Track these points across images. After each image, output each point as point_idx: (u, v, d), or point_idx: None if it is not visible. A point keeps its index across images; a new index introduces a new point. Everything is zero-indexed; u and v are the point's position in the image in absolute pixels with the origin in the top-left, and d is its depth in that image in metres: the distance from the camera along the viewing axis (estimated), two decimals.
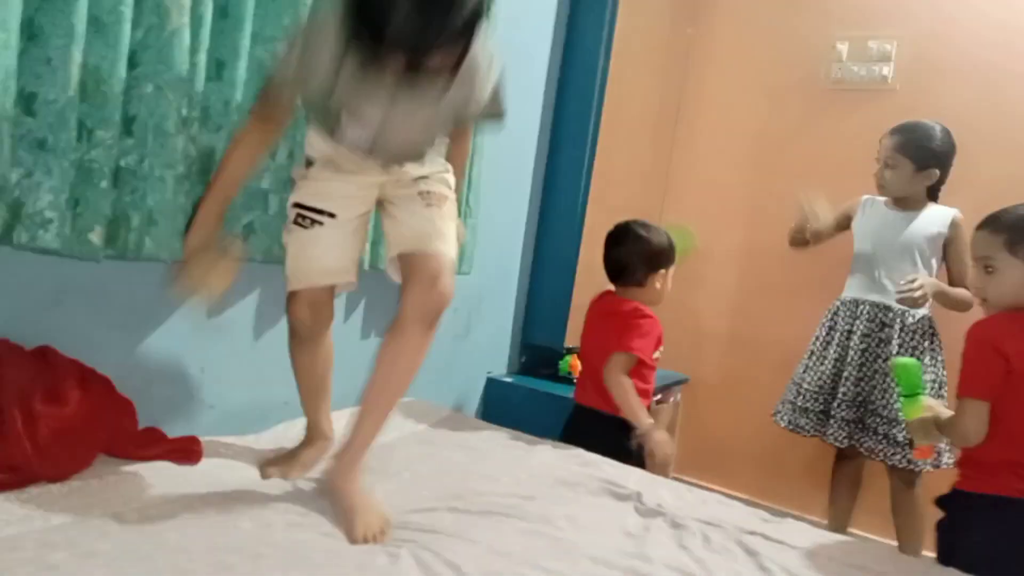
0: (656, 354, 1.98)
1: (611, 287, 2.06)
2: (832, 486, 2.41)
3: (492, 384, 2.47)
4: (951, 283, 2.19)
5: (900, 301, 2.05)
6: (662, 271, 1.99)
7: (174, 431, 1.43)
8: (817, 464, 2.56)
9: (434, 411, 1.99)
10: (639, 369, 1.93)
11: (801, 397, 2.31)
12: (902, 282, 2.05)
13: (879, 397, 2.17)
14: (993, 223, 1.50)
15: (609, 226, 2.10)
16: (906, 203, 2.25)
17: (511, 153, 2.40)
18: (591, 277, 2.16)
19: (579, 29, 2.52)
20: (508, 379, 2.49)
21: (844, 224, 2.40)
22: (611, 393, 1.90)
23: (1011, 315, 1.46)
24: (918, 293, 2.00)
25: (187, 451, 1.38)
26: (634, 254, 1.97)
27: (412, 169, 1.43)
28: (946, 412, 1.52)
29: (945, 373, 2.16)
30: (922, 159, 2.18)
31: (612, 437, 1.83)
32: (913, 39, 2.59)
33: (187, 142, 1.36)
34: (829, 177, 2.64)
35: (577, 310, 2.35)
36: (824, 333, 2.35)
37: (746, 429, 2.84)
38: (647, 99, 2.93)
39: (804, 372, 2.34)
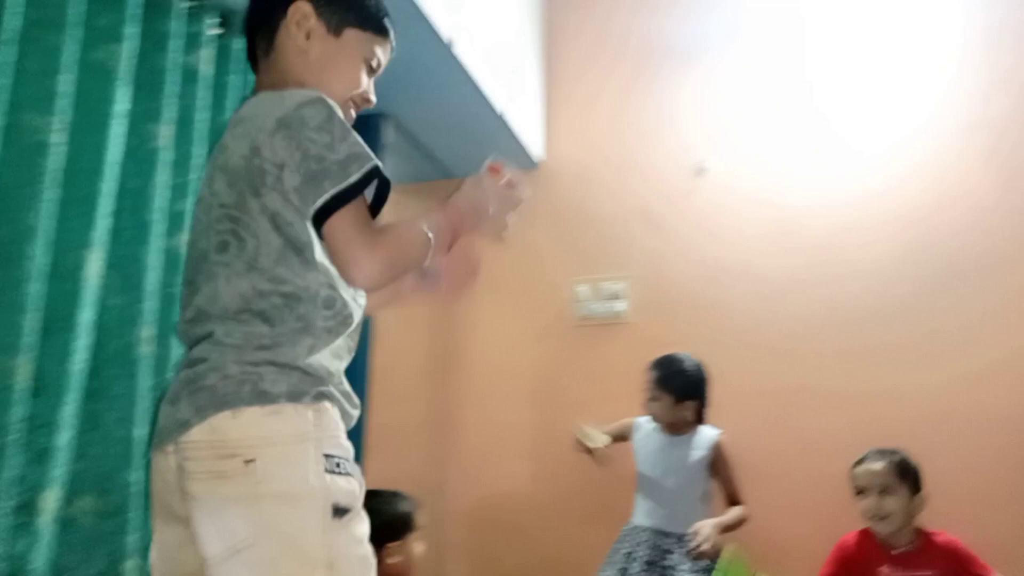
0: None
1: None
2: None
3: None
4: (725, 499, 2.35)
5: (697, 557, 2.13)
6: (396, 544, 1.78)
7: None
8: None
9: None
10: None
11: None
12: (688, 539, 2.15)
13: None
14: (879, 457, 2.08)
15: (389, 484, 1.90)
16: (675, 428, 2.43)
17: None
18: None
19: None
20: None
21: (623, 437, 2.52)
22: None
23: None
24: (706, 546, 2.11)
25: None
26: None
27: None
28: None
29: None
30: (679, 392, 2.39)
31: None
32: (640, 279, 2.96)
33: None
34: (593, 405, 2.78)
35: None
36: (613, 560, 2.34)
37: None
38: (420, 352, 2.93)
39: None
